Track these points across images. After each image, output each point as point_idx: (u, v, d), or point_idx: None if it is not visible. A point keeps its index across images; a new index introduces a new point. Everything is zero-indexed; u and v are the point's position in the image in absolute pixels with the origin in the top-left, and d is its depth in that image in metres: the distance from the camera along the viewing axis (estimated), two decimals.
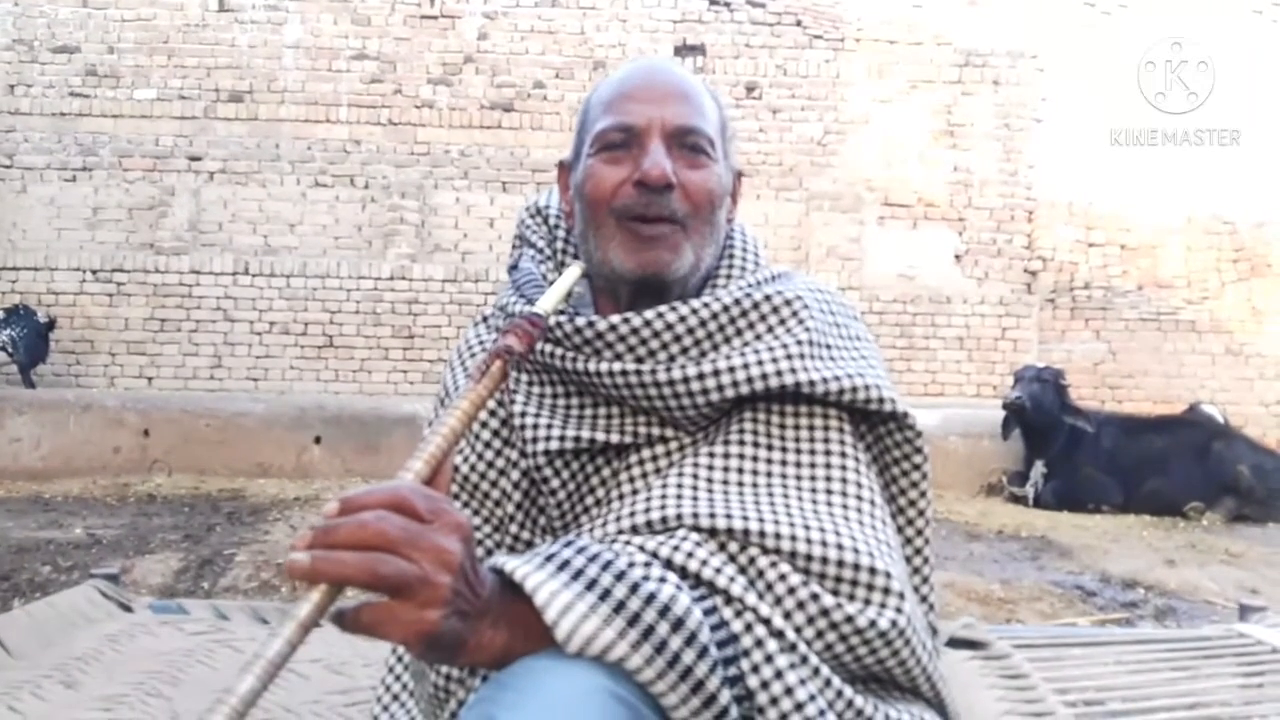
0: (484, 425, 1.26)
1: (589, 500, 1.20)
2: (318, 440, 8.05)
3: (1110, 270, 10.35)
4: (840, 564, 1.03)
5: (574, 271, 1.20)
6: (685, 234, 1.21)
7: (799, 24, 10.32)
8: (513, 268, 1.36)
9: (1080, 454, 7.75)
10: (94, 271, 9.59)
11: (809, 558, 1.02)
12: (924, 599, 1.22)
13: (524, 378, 1.26)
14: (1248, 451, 7.74)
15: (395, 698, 1.34)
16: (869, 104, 10.33)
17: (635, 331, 1.16)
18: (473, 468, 1.25)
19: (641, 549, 0.99)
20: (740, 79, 10.26)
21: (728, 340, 1.18)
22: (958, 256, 10.27)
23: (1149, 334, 10.25)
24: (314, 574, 0.77)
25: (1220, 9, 10.24)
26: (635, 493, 1.15)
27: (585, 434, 1.19)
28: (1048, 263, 10.31)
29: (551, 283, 1.28)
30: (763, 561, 1.02)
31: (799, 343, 1.16)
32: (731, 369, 1.14)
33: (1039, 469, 7.79)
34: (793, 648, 0.97)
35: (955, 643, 2.28)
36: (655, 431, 1.19)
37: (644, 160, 1.19)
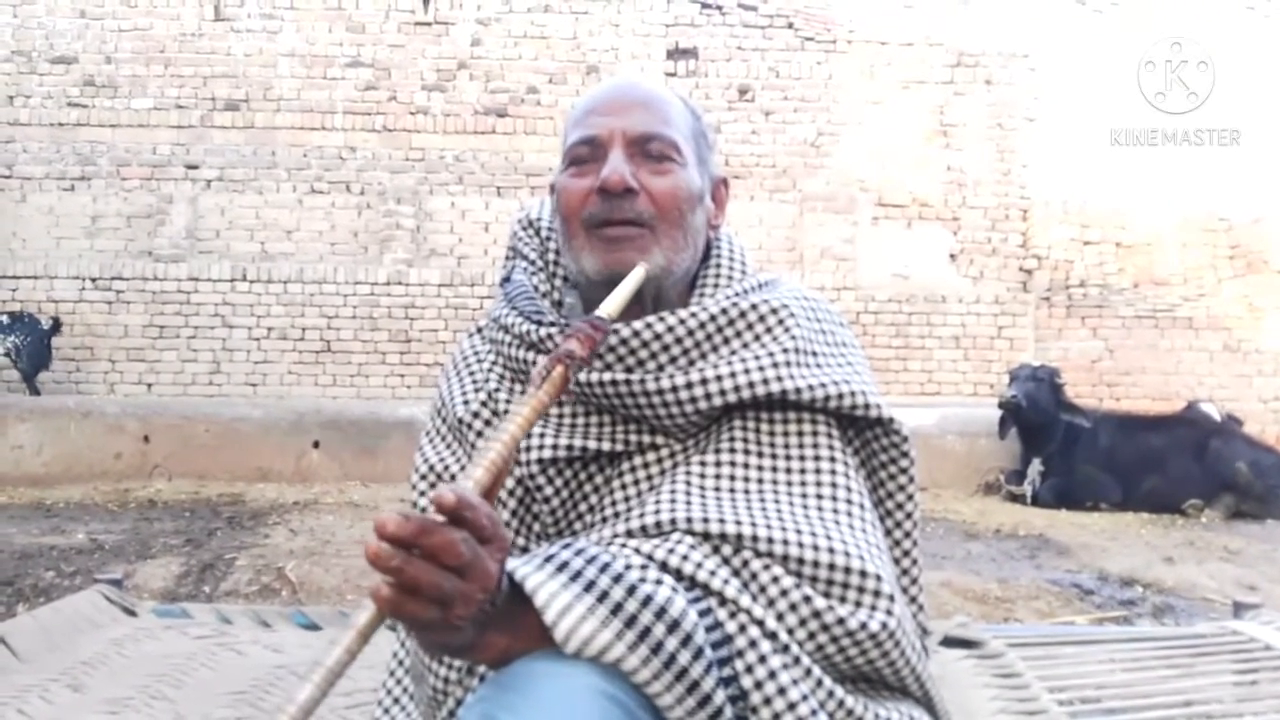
0: (479, 434, 1.28)
1: (582, 507, 1.22)
2: (316, 444, 8.06)
3: (1106, 268, 10.32)
4: (832, 567, 1.05)
5: (638, 273, 1.20)
6: (654, 235, 1.23)
7: (791, 26, 10.32)
8: (505, 279, 1.38)
9: (1078, 452, 7.73)
10: (93, 279, 9.60)
11: (801, 561, 1.05)
12: (913, 599, 1.24)
13: (516, 387, 1.28)
14: (1246, 448, 7.70)
15: (396, 700, 1.36)
16: (861, 105, 10.32)
17: (624, 342, 1.19)
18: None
19: (638, 552, 1.02)
20: (733, 82, 10.26)
21: (715, 349, 1.20)
22: (953, 256, 10.25)
23: (1146, 331, 10.22)
24: (394, 608, 0.79)
25: (1220, 8, 10.25)
26: (628, 499, 1.18)
27: (578, 443, 1.21)
28: (1043, 261, 10.29)
29: (542, 294, 1.31)
30: (756, 565, 1.04)
31: (785, 350, 1.18)
32: (719, 378, 1.16)
33: (1036, 467, 7.77)
34: (786, 649, 0.99)
35: (949, 642, 2.29)
36: (646, 439, 1.21)
37: (604, 169, 1.22)
